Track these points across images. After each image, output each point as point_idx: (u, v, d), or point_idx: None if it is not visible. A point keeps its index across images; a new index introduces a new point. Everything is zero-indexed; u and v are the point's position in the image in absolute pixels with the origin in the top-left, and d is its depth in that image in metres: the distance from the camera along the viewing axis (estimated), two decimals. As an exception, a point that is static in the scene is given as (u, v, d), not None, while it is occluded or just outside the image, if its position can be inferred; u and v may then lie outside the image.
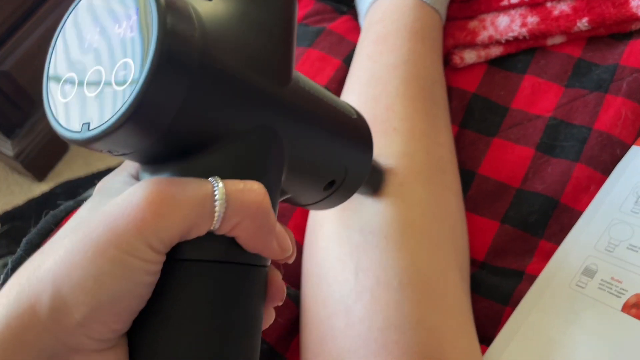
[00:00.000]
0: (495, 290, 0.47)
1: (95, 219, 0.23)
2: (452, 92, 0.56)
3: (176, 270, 0.25)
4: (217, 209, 0.24)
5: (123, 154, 0.25)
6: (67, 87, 0.25)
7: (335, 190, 0.35)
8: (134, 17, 0.23)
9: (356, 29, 0.61)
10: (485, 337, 0.45)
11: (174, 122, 0.24)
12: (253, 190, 0.25)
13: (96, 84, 0.24)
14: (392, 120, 0.46)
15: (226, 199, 0.24)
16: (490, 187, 0.51)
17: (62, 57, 0.26)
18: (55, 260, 0.23)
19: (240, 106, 0.26)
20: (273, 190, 0.28)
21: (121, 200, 0.23)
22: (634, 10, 0.54)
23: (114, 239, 0.23)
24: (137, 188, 0.24)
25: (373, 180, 0.42)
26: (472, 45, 0.56)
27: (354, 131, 0.34)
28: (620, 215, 0.47)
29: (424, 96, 0.49)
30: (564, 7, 0.55)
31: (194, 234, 0.24)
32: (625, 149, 0.50)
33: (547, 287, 0.46)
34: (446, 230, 0.45)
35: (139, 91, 0.22)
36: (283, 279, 0.49)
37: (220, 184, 0.25)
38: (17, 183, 1.30)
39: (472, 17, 0.57)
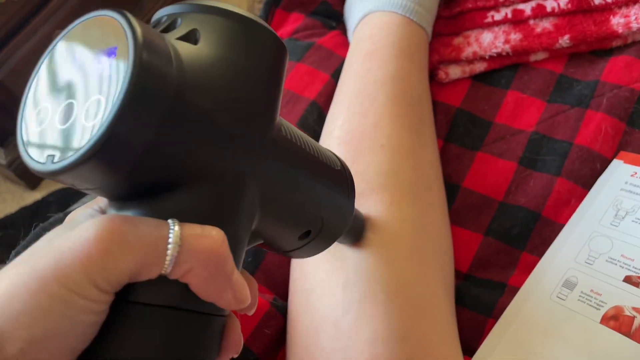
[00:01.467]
0: (478, 302, 0.48)
1: (45, 252, 0.23)
2: (437, 107, 0.57)
3: (124, 311, 0.24)
4: (169, 252, 0.24)
5: (87, 189, 0.25)
6: (42, 116, 0.24)
7: (311, 240, 0.34)
8: (113, 55, 0.23)
9: (345, 44, 0.63)
10: (469, 348, 0.46)
11: (141, 160, 0.23)
12: (210, 236, 0.25)
13: (67, 117, 0.23)
14: (380, 137, 0.47)
15: (180, 243, 0.24)
16: (474, 200, 0.52)
17: (43, 86, 0.25)
18: (4, 287, 0.22)
19: (213, 151, 0.25)
20: (239, 237, 0.27)
21: (73, 234, 0.23)
22: (615, 27, 0.55)
23: (58, 274, 0.22)
24: (90, 223, 0.23)
25: (354, 230, 0.41)
26: (457, 60, 0.57)
27: (335, 183, 0.34)
28: (600, 228, 0.48)
29: (410, 113, 0.50)
30: (546, 25, 0.56)
31: (144, 276, 0.24)
32: (605, 163, 0.51)
33: (529, 299, 0.47)
34: (432, 245, 0.46)
35: (105, 127, 0.21)
36: (271, 290, 0.50)
37: (177, 227, 0.24)
38: (10, 191, 1.31)
39: (457, 34, 0.59)
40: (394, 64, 0.52)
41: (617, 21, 0.55)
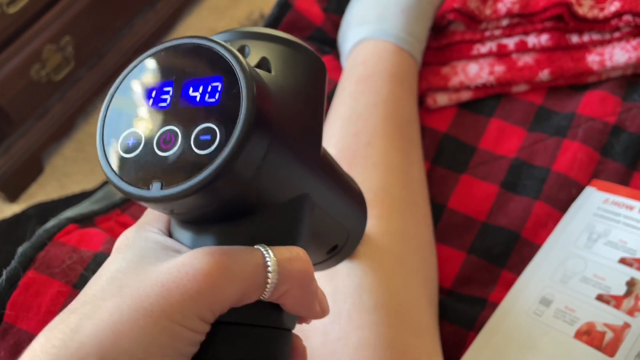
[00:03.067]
0: (460, 316, 0.51)
1: (145, 286, 0.23)
2: (425, 131, 0.60)
3: (219, 333, 0.24)
4: (269, 280, 0.24)
5: (179, 214, 0.25)
6: (131, 141, 0.24)
7: (336, 254, 0.36)
8: (218, 84, 0.23)
9: (338, 68, 0.66)
10: (451, 359, 0.48)
11: (243, 188, 0.24)
12: (300, 258, 0.26)
13: (170, 143, 0.23)
14: (372, 156, 0.50)
15: (278, 270, 0.24)
16: (458, 219, 0.55)
17: (126, 108, 0.25)
18: (100, 325, 0.22)
19: (291, 174, 0.26)
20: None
21: (175, 270, 0.23)
22: (590, 65, 0.59)
23: (167, 310, 0.22)
24: (191, 258, 0.23)
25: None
26: (444, 89, 0.61)
27: (357, 199, 0.35)
28: (575, 249, 0.51)
29: (400, 134, 0.53)
30: (527, 59, 0.60)
31: (243, 303, 0.24)
32: (580, 189, 0.55)
33: (508, 314, 0.49)
34: (419, 258, 0.49)
35: (226, 157, 0.22)
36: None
37: (271, 254, 0.25)
38: (-11, 203, 1.29)
39: (444, 64, 0.62)
40: (385, 88, 0.55)
41: (592, 59, 0.59)
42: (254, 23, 1.37)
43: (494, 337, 0.48)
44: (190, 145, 0.23)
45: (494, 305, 0.50)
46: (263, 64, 0.27)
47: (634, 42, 0.58)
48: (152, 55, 0.25)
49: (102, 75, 1.31)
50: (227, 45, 0.24)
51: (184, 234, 0.26)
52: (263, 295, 0.25)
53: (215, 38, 0.25)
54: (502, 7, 0.60)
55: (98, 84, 1.31)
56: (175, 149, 0.23)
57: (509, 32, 0.60)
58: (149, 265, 0.24)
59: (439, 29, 0.63)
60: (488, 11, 0.61)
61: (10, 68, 1.11)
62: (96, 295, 0.23)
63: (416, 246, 0.49)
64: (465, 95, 0.61)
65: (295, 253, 0.26)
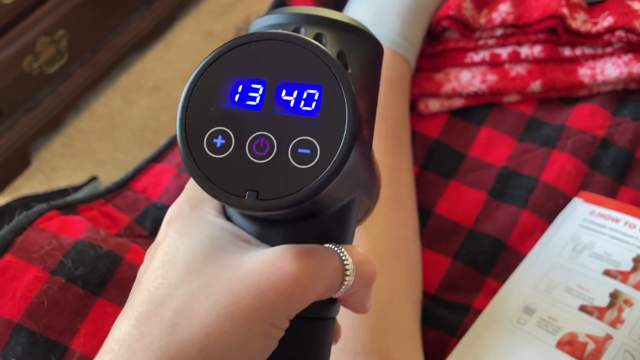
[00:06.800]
0: (443, 322, 0.50)
1: (237, 285, 0.23)
2: (415, 136, 0.60)
3: (292, 326, 0.25)
4: (346, 282, 0.25)
5: (263, 216, 0.25)
6: (219, 141, 0.23)
7: None
8: (315, 92, 0.22)
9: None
10: (432, 365, 0.48)
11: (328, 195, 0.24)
12: (370, 262, 0.27)
13: (264, 151, 0.23)
14: None
15: (355, 273, 0.25)
16: (445, 225, 0.55)
17: (212, 99, 0.23)
18: (199, 325, 0.22)
19: (361, 173, 0.26)
20: None
21: (266, 271, 0.23)
22: (581, 78, 0.60)
23: (262, 312, 0.23)
24: (281, 260, 0.23)
25: None
26: (436, 95, 0.61)
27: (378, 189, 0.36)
28: (560, 260, 0.51)
29: (391, 136, 0.53)
30: (520, 69, 0.61)
31: (319, 299, 0.25)
32: (567, 200, 0.55)
33: (491, 321, 0.49)
34: (403, 262, 0.49)
35: (328, 176, 0.22)
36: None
37: (349, 257, 0.25)
38: (-27, 195, 1.28)
39: (438, 70, 0.63)
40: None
41: (584, 72, 0.60)
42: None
43: (475, 344, 0.48)
44: (288, 156, 0.22)
45: (478, 312, 0.50)
46: (341, 59, 0.26)
47: (625, 58, 0.59)
48: (245, 45, 0.23)
49: (95, 71, 1.30)
50: (328, 51, 0.23)
51: (247, 223, 0.26)
52: (335, 294, 0.26)
53: (306, 37, 0.23)
54: (496, 17, 0.60)
55: (90, 79, 1.30)
56: (271, 157, 0.23)
57: (502, 42, 0.61)
58: (227, 257, 0.24)
59: (433, 35, 0.63)
60: (483, 20, 0.61)
61: (3, 58, 1.10)
62: (180, 287, 0.23)
63: (401, 248, 0.48)
64: (457, 103, 0.61)
65: (366, 256, 0.27)
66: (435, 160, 0.59)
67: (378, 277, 0.46)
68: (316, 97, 0.22)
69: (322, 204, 0.25)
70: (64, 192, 1.16)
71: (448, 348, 0.49)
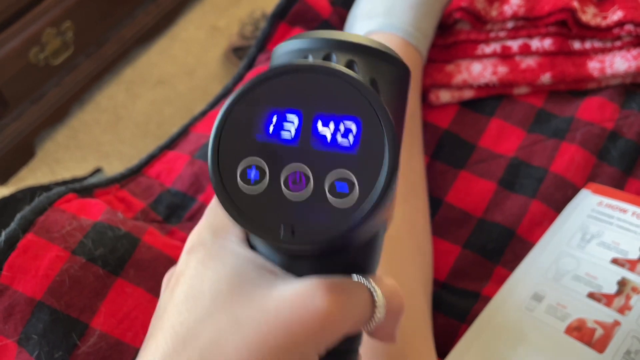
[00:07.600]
0: (453, 309, 0.51)
1: (266, 319, 0.22)
2: (426, 126, 0.61)
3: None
4: (377, 316, 0.25)
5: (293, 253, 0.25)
6: (253, 172, 0.22)
7: None
8: (352, 125, 0.22)
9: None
10: (442, 351, 0.49)
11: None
12: (398, 294, 0.26)
13: (299, 185, 0.22)
14: None
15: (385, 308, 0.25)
16: (455, 214, 0.56)
17: (246, 129, 0.22)
18: (229, 357, 0.22)
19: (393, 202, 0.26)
20: None
21: (296, 305, 0.23)
22: (591, 71, 0.60)
23: (292, 348, 0.22)
24: (311, 295, 0.23)
25: None
26: (447, 86, 0.62)
27: None
28: (568, 249, 0.52)
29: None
30: (530, 62, 0.61)
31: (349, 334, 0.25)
32: (575, 191, 0.56)
33: (501, 308, 0.50)
34: (415, 249, 0.49)
35: (366, 215, 0.21)
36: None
37: (378, 291, 0.25)
38: (-23, 185, 1.28)
39: (449, 61, 0.63)
40: (390, 81, 0.56)
41: (593, 66, 0.61)
42: (256, 22, 1.37)
43: (485, 330, 0.49)
44: (325, 192, 0.22)
45: (487, 299, 0.51)
46: (374, 87, 0.25)
47: (634, 52, 0.59)
48: (283, 74, 0.22)
49: (100, 64, 1.31)
50: (366, 82, 0.22)
51: (272, 253, 0.25)
52: (366, 329, 0.25)
53: (343, 69, 0.22)
54: (508, 10, 0.61)
55: (95, 71, 1.30)
56: (307, 193, 0.22)
57: (513, 34, 0.62)
58: (254, 291, 0.23)
59: (445, 27, 0.64)
60: (494, 12, 0.62)
61: (9, 49, 1.10)
62: (206, 324, 0.23)
63: (414, 234, 0.49)
64: (468, 94, 0.62)
65: (394, 288, 0.26)
66: (445, 151, 0.59)
67: (391, 263, 0.47)
68: (354, 130, 0.22)
69: (355, 238, 0.24)
70: (68, 184, 1.16)
71: (458, 334, 0.50)
